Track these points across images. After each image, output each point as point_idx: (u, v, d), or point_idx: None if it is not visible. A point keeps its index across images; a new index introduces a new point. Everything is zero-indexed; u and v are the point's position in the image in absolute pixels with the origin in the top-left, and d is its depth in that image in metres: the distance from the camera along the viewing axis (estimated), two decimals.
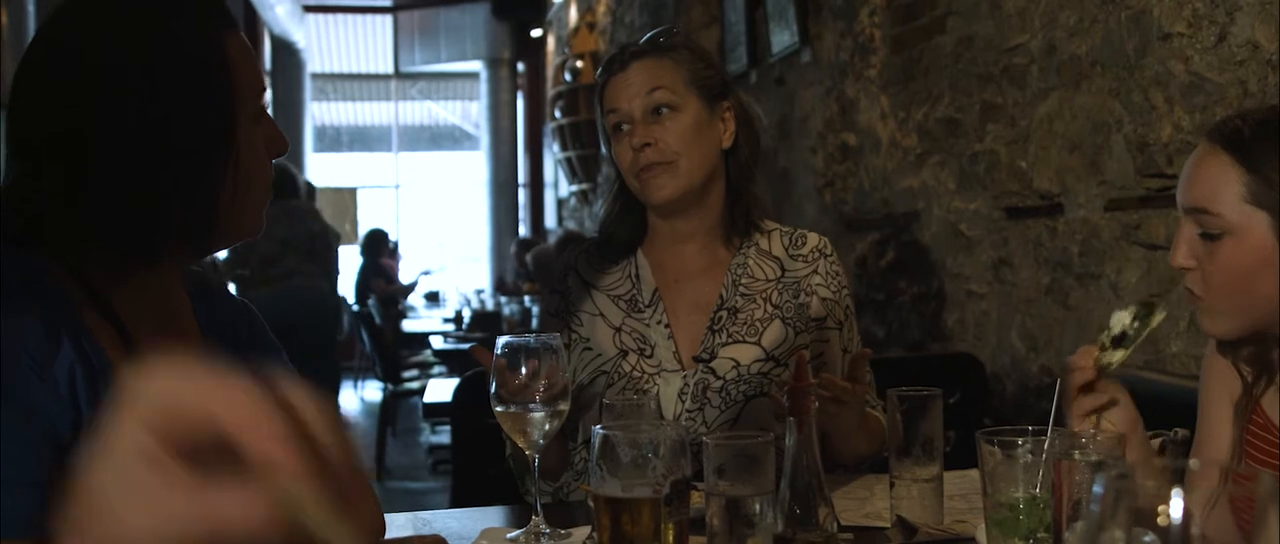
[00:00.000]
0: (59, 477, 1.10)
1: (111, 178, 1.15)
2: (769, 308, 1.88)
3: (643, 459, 1.19)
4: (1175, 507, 0.74)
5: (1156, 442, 1.42)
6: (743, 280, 1.90)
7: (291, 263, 5.86)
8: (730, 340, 1.85)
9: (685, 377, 1.84)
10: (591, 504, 1.57)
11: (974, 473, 1.48)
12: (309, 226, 5.97)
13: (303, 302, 5.86)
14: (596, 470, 1.21)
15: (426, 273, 11.73)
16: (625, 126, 1.86)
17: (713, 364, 1.84)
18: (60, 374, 1.12)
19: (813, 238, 1.95)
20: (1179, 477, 0.75)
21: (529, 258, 8.69)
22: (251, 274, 5.79)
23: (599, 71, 1.93)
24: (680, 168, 1.84)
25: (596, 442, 1.20)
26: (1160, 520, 0.75)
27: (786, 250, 1.94)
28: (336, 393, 7.10)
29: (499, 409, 1.45)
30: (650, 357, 1.85)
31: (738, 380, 1.83)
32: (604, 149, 1.96)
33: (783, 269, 1.92)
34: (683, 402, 1.83)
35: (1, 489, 1.06)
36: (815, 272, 1.91)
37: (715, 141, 1.88)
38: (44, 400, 1.10)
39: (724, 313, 1.87)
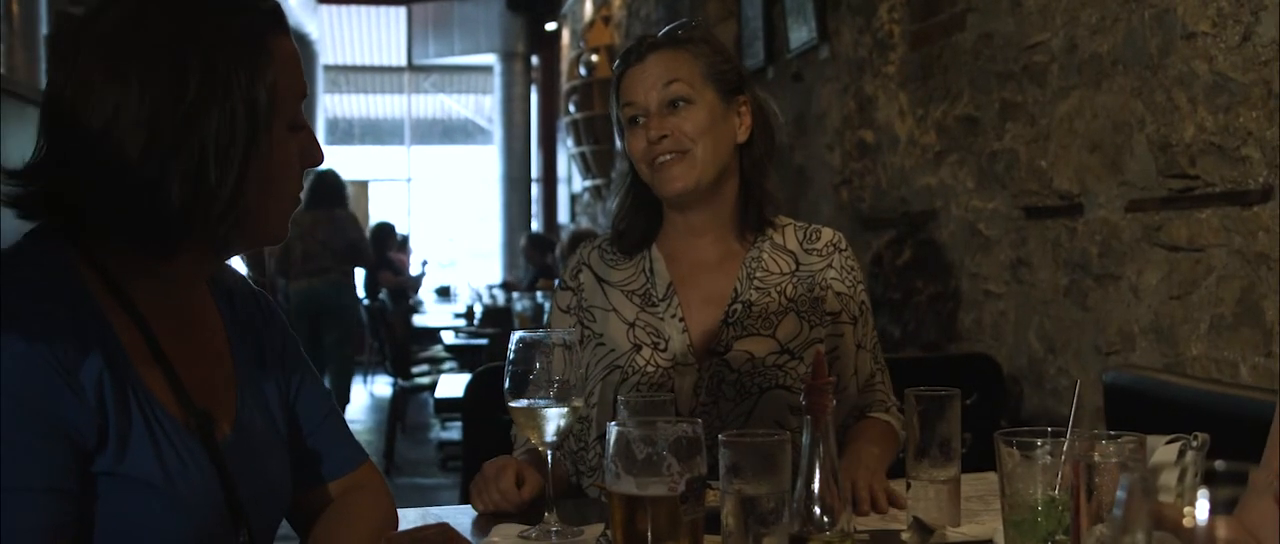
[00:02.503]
0: (83, 484, 1.10)
1: (131, 168, 1.14)
2: (784, 301, 1.87)
3: (658, 457, 1.17)
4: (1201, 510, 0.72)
5: (1175, 446, 1.40)
6: (757, 274, 1.89)
7: (327, 261, 7.13)
8: (744, 333, 1.85)
9: (699, 370, 1.83)
10: (605, 501, 1.55)
11: (991, 475, 1.47)
12: (349, 235, 7.27)
13: (331, 293, 7.19)
14: (611, 467, 1.19)
15: (425, 263, 11.73)
16: (641, 119, 1.85)
17: (727, 357, 1.83)
18: (87, 382, 1.11)
19: (827, 233, 1.95)
20: (1209, 479, 0.74)
21: (564, 239, 8.70)
22: (293, 268, 7.06)
23: (615, 63, 1.93)
24: (695, 158, 1.83)
25: (611, 439, 1.19)
26: (1186, 523, 0.73)
27: (801, 245, 1.93)
28: (349, 375, 7.82)
29: (513, 405, 1.44)
30: (664, 350, 1.85)
31: (752, 372, 1.82)
32: (619, 141, 1.95)
33: (797, 263, 1.91)
34: (698, 395, 1.82)
35: (28, 496, 1.05)
36: (830, 266, 1.91)
37: (730, 135, 1.88)
38: (71, 409, 1.09)
39: (738, 306, 1.87)
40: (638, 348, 1.85)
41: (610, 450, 1.19)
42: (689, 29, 1.90)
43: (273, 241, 1.27)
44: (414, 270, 11.19)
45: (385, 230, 10.45)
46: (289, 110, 1.22)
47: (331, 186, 7.25)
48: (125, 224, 1.17)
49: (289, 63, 1.22)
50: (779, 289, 1.88)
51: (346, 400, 7.98)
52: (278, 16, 1.23)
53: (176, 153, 1.14)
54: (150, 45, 1.15)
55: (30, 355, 1.07)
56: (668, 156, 1.83)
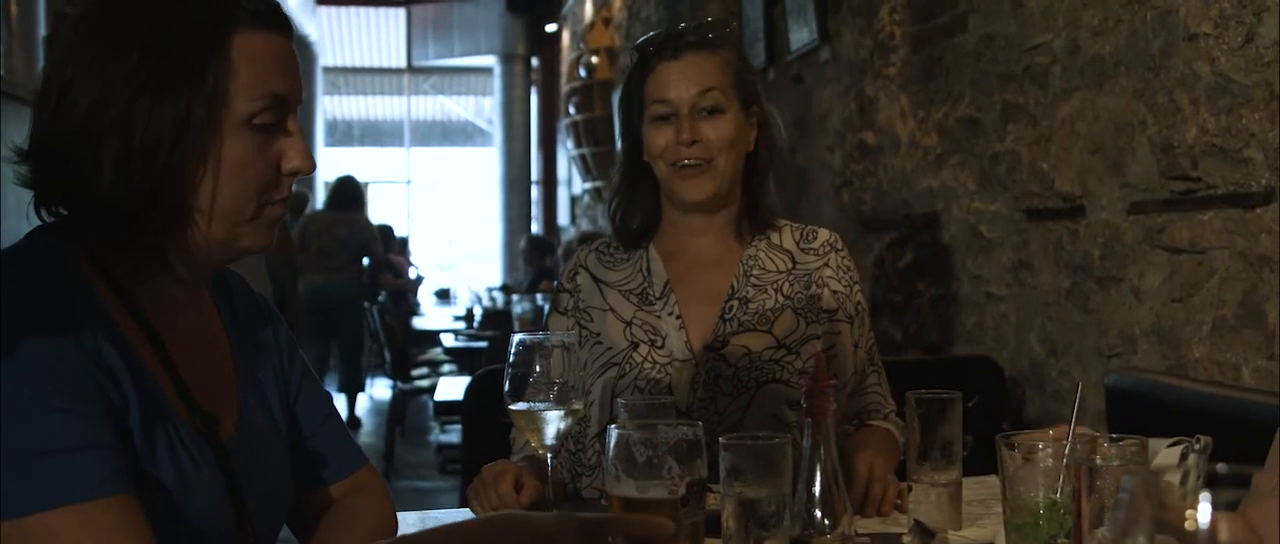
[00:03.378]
0: (121, 440, 1.08)
1: (71, 146, 1.14)
2: (780, 298, 1.88)
3: (659, 460, 1.16)
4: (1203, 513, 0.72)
5: (1177, 449, 1.39)
6: (754, 271, 1.91)
7: (341, 260, 7.79)
8: (741, 329, 1.86)
9: (697, 366, 1.83)
10: (605, 504, 1.55)
11: (992, 479, 1.46)
12: (362, 236, 7.98)
13: (343, 288, 7.79)
14: (611, 470, 1.18)
15: (412, 267, 11.72)
16: (670, 117, 1.85)
17: (724, 352, 1.84)
18: (111, 371, 1.10)
19: (823, 233, 1.96)
20: (1212, 482, 0.73)
21: (570, 240, 8.81)
22: (307, 264, 7.56)
23: (642, 51, 1.91)
24: (717, 169, 1.86)
25: (612, 442, 1.18)
26: (1188, 526, 0.72)
27: (798, 244, 1.95)
28: (360, 367, 8.46)
29: (513, 408, 1.43)
30: (661, 347, 1.85)
31: (749, 367, 1.82)
32: (618, 132, 1.95)
33: (794, 261, 1.93)
34: (695, 391, 1.83)
35: (93, 451, 1.05)
36: (826, 265, 1.92)
37: (745, 146, 1.91)
38: (98, 381, 1.09)
39: (735, 302, 1.88)
40: (635, 345, 1.86)
41: (611, 453, 1.18)
42: (721, 32, 1.90)
43: (242, 251, 1.23)
44: (412, 274, 11.20)
45: (385, 233, 10.45)
46: (241, 110, 1.17)
47: (353, 191, 8.04)
48: (72, 202, 1.17)
49: (254, 62, 1.17)
50: (775, 287, 1.89)
51: (360, 389, 8.61)
52: (254, 14, 1.18)
53: (107, 137, 1.13)
54: (108, 30, 1.14)
55: (61, 340, 1.07)
56: (692, 162, 1.84)
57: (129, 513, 1.06)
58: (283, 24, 1.22)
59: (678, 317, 1.87)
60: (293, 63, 1.23)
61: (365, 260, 8.16)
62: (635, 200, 1.95)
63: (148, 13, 1.15)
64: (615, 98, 8.51)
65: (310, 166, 1.23)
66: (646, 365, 1.84)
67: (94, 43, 1.14)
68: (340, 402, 8.18)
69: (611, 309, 1.90)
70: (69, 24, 1.17)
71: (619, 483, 1.17)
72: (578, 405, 1.44)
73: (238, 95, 1.16)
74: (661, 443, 1.16)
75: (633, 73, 1.92)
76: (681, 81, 1.85)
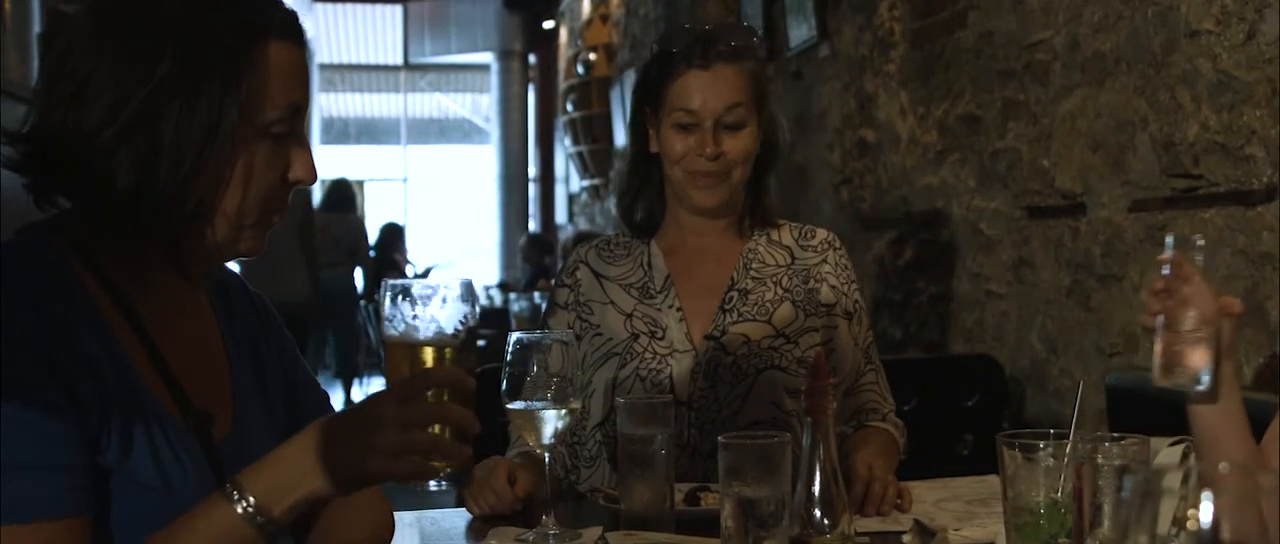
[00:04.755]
0: (89, 462, 1.08)
1: (85, 140, 1.12)
2: (779, 291, 1.90)
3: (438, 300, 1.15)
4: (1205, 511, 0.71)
5: (1180, 448, 1.39)
6: (754, 265, 1.93)
7: (336, 257, 8.16)
8: (741, 319, 1.88)
9: (696, 355, 1.84)
10: (604, 505, 1.54)
11: (993, 478, 1.45)
12: (354, 235, 8.55)
13: (338, 286, 8.20)
14: (390, 320, 1.17)
15: (425, 273, 11.71)
16: (691, 126, 1.84)
17: (723, 341, 1.86)
18: (91, 377, 1.10)
19: (821, 232, 1.99)
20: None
21: (568, 239, 8.91)
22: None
23: (667, 52, 1.88)
24: (732, 180, 1.87)
25: (387, 292, 1.17)
26: (1189, 525, 0.71)
27: (796, 241, 1.97)
28: (354, 357, 9.04)
29: (510, 407, 1.42)
30: (661, 339, 1.87)
31: (748, 356, 1.84)
32: (631, 119, 1.96)
33: (793, 257, 1.95)
34: (695, 380, 1.84)
35: (42, 473, 1.05)
36: (824, 261, 1.94)
37: (756, 152, 1.91)
38: (77, 399, 1.08)
39: (735, 293, 1.90)
40: (635, 336, 1.88)
41: (387, 304, 1.16)
42: (747, 40, 1.89)
43: (237, 253, 1.23)
44: (409, 272, 11.21)
45: (394, 231, 10.49)
46: (265, 118, 1.18)
47: (347, 193, 8.62)
48: (79, 197, 1.17)
49: (280, 73, 1.18)
50: (775, 280, 1.91)
51: (354, 375, 9.16)
52: (282, 24, 1.19)
53: (130, 136, 1.12)
54: (136, 24, 1.13)
55: (25, 346, 1.06)
56: (709, 173, 1.85)
57: (66, 538, 1.05)
58: (302, 37, 1.23)
59: (678, 309, 1.89)
60: (308, 74, 1.25)
61: (362, 264, 8.62)
62: (643, 193, 1.97)
63: (180, 17, 1.14)
64: (617, 91, 8.51)
65: (313, 178, 1.24)
66: (647, 355, 1.85)
67: (116, 42, 1.13)
68: (336, 392, 8.24)
69: (612, 302, 1.92)
70: (80, 19, 1.16)
71: (396, 333, 1.16)
72: (575, 404, 1.43)
73: (264, 104, 1.17)
74: (436, 287, 1.16)
75: (654, 70, 1.90)
76: (710, 94, 1.83)
